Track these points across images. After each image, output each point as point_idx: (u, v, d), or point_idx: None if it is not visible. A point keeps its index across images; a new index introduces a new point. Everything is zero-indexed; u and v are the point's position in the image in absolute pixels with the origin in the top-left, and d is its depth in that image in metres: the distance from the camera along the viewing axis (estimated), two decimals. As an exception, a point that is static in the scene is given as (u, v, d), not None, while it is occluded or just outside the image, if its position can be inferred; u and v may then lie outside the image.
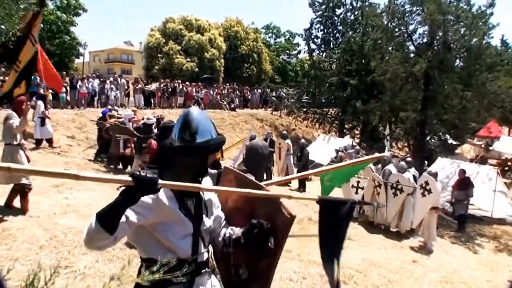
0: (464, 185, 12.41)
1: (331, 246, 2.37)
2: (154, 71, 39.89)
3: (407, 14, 19.51)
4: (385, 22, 20.35)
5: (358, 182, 11.62)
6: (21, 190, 6.69)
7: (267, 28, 62.72)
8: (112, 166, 13.01)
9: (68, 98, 20.18)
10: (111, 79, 24.48)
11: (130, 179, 1.72)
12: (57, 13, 35.79)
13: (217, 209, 2.39)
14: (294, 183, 14.33)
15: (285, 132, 17.89)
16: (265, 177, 10.82)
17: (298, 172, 13.53)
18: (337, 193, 9.79)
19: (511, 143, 25.60)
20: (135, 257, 2.29)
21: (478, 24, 17.65)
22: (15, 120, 6.44)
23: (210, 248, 2.37)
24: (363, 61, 26.03)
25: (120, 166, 13.04)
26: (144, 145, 10.64)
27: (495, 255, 10.86)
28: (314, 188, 12.27)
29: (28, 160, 6.97)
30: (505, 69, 22.58)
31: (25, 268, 4.63)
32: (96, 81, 22.54)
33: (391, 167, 11.20)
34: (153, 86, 26.02)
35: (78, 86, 20.53)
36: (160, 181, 1.76)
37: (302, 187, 14.00)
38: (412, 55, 19.61)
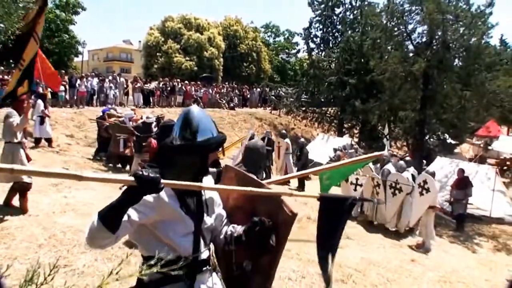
0: (463, 184, 12.42)
1: (328, 242, 2.38)
2: (153, 70, 39.85)
3: (406, 14, 19.48)
4: (384, 22, 20.32)
5: (357, 179, 11.65)
6: (21, 189, 6.68)
7: (266, 27, 62.76)
8: (111, 165, 13.01)
9: (67, 96, 20.17)
10: (110, 77, 24.49)
11: (132, 179, 1.72)
12: (56, 11, 35.75)
13: (219, 207, 2.40)
14: (294, 182, 14.33)
15: (284, 131, 17.91)
16: (264, 176, 10.84)
17: (297, 171, 13.55)
18: (336, 191, 9.83)
19: (510, 142, 25.65)
20: (134, 256, 2.29)
21: (477, 23, 17.64)
22: (15, 118, 6.43)
23: (211, 246, 2.37)
24: (362, 60, 25.99)
25: (119, 165, 13.04)
26: (144, 144, 10.64)
27: (493, 254, 10.88)
28: (313, 187, 12.26)
29: (29, 159, 6.94)
30: (504, 69, 22.57)
31: (24, 266, 4.62)
32: (95, 80, 22.54)
33: (390, 167, 11.22)
34: (152, 85, 26.00)
35: (77, 85, 20.53)
36: (162, 181, 1.76)
37: (301, 186, 14.00)
38: (411, 54, 19.58)
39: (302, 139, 17.59)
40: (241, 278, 2.35)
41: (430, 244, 10.00)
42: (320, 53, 32.53)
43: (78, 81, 20.84)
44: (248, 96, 33.35)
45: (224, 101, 29.37)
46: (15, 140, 6.58)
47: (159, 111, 20.98)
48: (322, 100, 30.32)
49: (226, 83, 35.75)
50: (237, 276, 2.36)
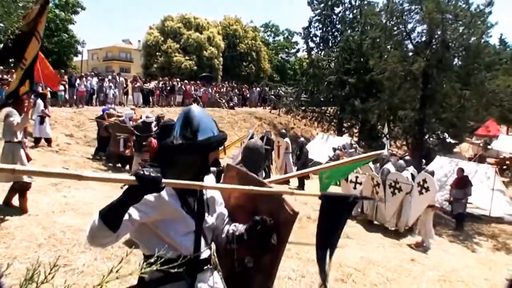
0: (462, 183, 12.42)
1: (328, 240, 2.38)
2: (153, 69, 39.82)
3: (405, 13, 19.48)
4: (384, 21, 20.32)
5: (357, 177, 11.66)
6: (20, 189, 6.67)
7: (265, 27, 62.76)
8: (111, 165, 13.01)
9: (67, 96, 20.19)
10: (110, 77, 24.51)
11: (133, 178, 1.73)
12: (55, 11, 35.69)
13: (220, 206, 2.40)
14: (293, 181, 14.33)
15: (283, 130, 17.91)
16: (263, 176, 10.83)
17: (297, 170, 13.54)
18: (336, 190, 9.82)
19: (509, 141, 25.67)
20: (134, 255, 2.29)
21: (476, 23, 17.64)
22: (16, 118, 6.41)
23: (213, 245, 2.38)
24: (362, 59, 26.00)
25: (119, 165, 13.04)
26: (144, 143, 10.63)
27: (493, 253, 10.88)
28: (313, 186, 12.28)
29: (29, 159, 6.93)
30: (503, 68, 22.57)
31: (23, 266, 4.62)
32: (95, 79, 22.55)
33: (389, 166, 11.21)
34: (152, 84, 26.00)
35: (76, 84, 20.55)
36: (163, 180, 1.77)
37: (301, 185, 13.99)
38: (410, 53, 19.59)
39: (302, 139, 17.61)
40: (242, 276, 2.35)
41: (430, 243, 10.00)
42: (320, 52, 32.56)
43: (78, 81, 20.86)
44: (248, 95, 33.35)
45: (223, 101, 29.37)
46: (15, 140, 6.56)
47: (158, 110, 20.98)
48: (322, 99, 30.32)
49: (226, 82, 35.77)
50: (239, 274, 2.36)
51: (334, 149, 17.44)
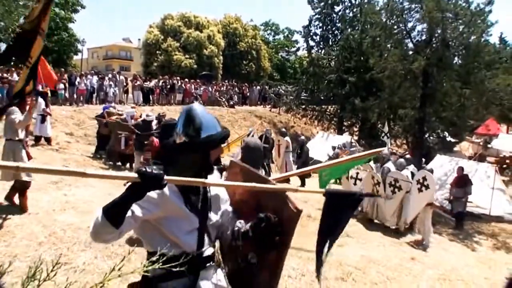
0: (462, 182, 12.42)
1: (329, 237, 2.39)
2: (153, 68, 39.77)
3: (405, 12, 19.46)
4: (384, 20, 20.29)
5: (357, 173, 11.67)
6: (21, 188, 6.67)
7: (266, 25, 62.65)
8: (111, 163, 13.00)
9: (67, 95, 20.20)
10: (110, 75, 24.54)
11: (135, 175, 1.73)
12: (55, 9, 35.57)
13: (225, 203, 2.41)
14: (294, 180, 14.31)
15: (284, 129, 17.90)
16: (263, 174, 10.83)
17: (297, 169, 13.54)
18: (336, 188, 9.80)
19: (509, 140, 25.66)
20: (135, 253, 2.29)
21: (476, 21, 17.62)
22: (18, 115, 6.39)
23: (217, 242, 2.39)
24: (362, 58, 26.01)
25: (119, 163, 13.04)
26: (146, 142, 10.63)
27: (493, 252, 10.88)
28: (314, 184, 12.25)
29: (29, 157, 6.91)
30: (503, 67, 22.55)
31: (24, 264, 4.63)
32: (95, 78, 22.58)
33: (390, 165, 11.21)
34: (152, 83, 25.99)
35: (76, 83, 20.57)
36: (165, 177, 1.77)
37: (302, 184, 13.97)
38: (410, 52, 19.56)
39: (303, 137, 17.63)
40: (247, 274, 2.35)
41: (429, 241, 10.01)
42: (320, 51, 32.56)
43: (78, 79, 20.88)
44: (248, 94, 33.37)
45: (223, 99, 29.37)
46: (16, 138, 6.56)
47: (158, 109, 20.99)
48: (322, 98, 30.30)
49: (226, 81, 35.76)
50: (244, 272, 2.37)
51: (334, 148, 17.44)
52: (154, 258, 1.55)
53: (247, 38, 46.69)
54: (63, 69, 23.12)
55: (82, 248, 5.45)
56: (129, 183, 1.80)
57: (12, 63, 19.17)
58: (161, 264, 1.55)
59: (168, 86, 26.15)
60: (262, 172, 5.06)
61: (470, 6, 18.10)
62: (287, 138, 15.75)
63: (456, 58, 19.54)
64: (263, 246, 2.22)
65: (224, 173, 3.24)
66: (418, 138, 19.49)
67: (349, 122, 29.55)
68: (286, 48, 61.43)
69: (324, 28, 32.77)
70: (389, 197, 10.59)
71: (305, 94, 30.70)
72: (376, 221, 11.15)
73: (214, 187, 2.33)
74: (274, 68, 54.52)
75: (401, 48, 19.52)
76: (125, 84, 24.43)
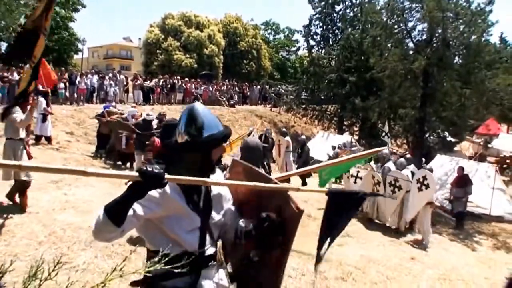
0: (462, 182, 12.41)
1: (330, 233, 2.39)
2: (153, 67, 39.76)
3: (406, 11, 19.45)
4: (384, 19, 20.27)
5: (358, 172, 11.69)
6: (20, 187, 6.67)
7: (266, 25, 62.59)
8: (111, 162, 13.00)
9: (67, 94, 20.18)
10: (110, 75, 24.51)
11: (136, 174, 1.75)
12: (55, 8, 35.57)
13: (228, 202, 2.42)
14: (296, 180, 14.29)
15: (284, 129, 17.90)
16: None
17: (298, 169, 13.52)
18: (335, 187, 9.79)
19: (509, 140, 25.64)
20: (134, 253, 2.29)
21: (477, 21, 17.62)
22: (19, 114, 6.37)
23: (219, 242, 2.40)
24: (362, 58, 26.00)
25: (119, 163, 13.04)
26: (147, 142, 10.62)
27: (493, 252, 10.87)
28: (315, 184, 12.26)
29: (29, 157, 6.89)
30: (504, 67, 22.56)
31: (24, 263, 4.63)
32: (95, 77, 22.57)
33: (390, 165, 11.21)
34: (152, 82, 25.99)
35: (77, 82, 20.56)
36: (166, 176, 1.78)
37: (303, 183, 13.95)
38: (411, 52, 19.55)
39: (303, 136, 17.62)
40: (251, 273, 2.36)
41: (429, 241, 10.02)
42: (320, 50, 32.55)
43: (78, 79, 20.87)
44: (248, 93, 33.38)
45: (224, 99, 29.37)
46: (17, 137, 6.55)
47: (159, 108, 20.99)
48: (322, 97, 30.29)
49: (226, 80, 35.75)
50: (247, 271, 2.37)
51: (334, 147, 17.44)
52: (156, 259, 1.55)
53: (247, 38, 46.67)
54: (63, 68, 23.11)
55: (82, 247, 5.46)
56: (130, 182, 1.81)
57: (11, 62, 19.18)
58: (163, 265, 1.55)
59: (169, 86, 26.14)
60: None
61: (470, 5, 18.09)
62: (288, 138, 15.74)
63: (456, 58, 19.55)
64: (265, 245, 2.22)
65: (225, 172, 3.24)
66: (419, 138, 19.49)
67: (349, 122, 29.55)
68: (287, 48, 61.45)
69: (325, 27, 32.74)
70: (393, 197, 10.57)
71: (305, 94, 30.68)
72: (376, 220, 11.16)
73: (213, 185, 2.33)
74: (275, 68, 54.51)
75: (401, 48, 19.51)
76: (125, 83, 24.44)
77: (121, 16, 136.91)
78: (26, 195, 6.76)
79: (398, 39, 19.94)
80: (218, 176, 2.40)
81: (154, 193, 1.96)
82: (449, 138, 22.42)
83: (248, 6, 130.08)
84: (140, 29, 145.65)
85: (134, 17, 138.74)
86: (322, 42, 33.01)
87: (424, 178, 10.01)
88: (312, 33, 32.98)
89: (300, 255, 6.61)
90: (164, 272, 1.91)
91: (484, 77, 17.80)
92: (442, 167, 15.13)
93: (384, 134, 19.37)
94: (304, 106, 30.35)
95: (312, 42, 32.95)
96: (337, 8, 32.23)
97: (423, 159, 17.85)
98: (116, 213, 1.84)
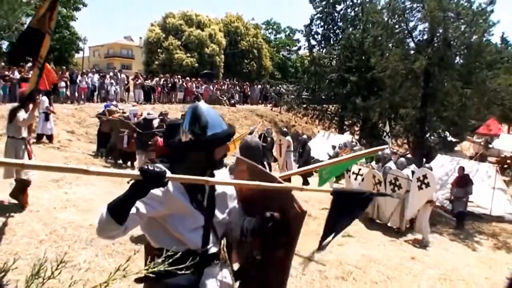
0: (463, 182, 12.40)
1: (334, 230, 2.40)
2: (154, 66, 39.77)
3: (407, 11, 19.47)
4: (386, 19, 20.29)
5: (360, 169, 11.69)
6: (21, 185, 6.67)
7: (267, 24, 62.53)
8: (112, 161, 13.00)
9: (68, 93, 20.18)
10: (111, 74, 24.52)
11: (138, 173, 1.76)
12: (57, 7, 35.58)
13: (233, 201, 2.43)
14: (294, 179, 14.28)
15: (285, 129, 17.89)
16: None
17: (299, 168, 13.51)
18: (336, 186, 9.78)
19: (510, 140, 25.60)
20: (136, 252, 2.30)
21: (478, 21, 17.63)
22: (21, 113, 6.37)
23: (224, 240, 2.40)
24: (363, 57, 25.99)
25: (120, 161, 13.04)
26: (150, 142, 10.62)
27: (493, 252, 10.86)
28: (316, 183, 12.27)
29: (30, 156, 6.88)
30: (505, 67, 22.57)
31: (25, 262, 4.63)
32: (96, 76, 22.57)
33: (391, 165, 11.21)
34: (153, 81, 25.99)
35: (78, 81, 20.56)
36: (167, 175, 1.80)
37: (305, 182, 13.93)
38: (412, 52, 19.55)
39: (305, 136, 17.59)
40: (256, 272, 2.36)
41: (428, 239, 10.03)
42: (321, 50, 32.47)
43: (79, 77, 20.86)
44: (249, 93, 33.37)
45: (224, 98, 29.35)
46: (19, 136, 6.56)
47: (160, 107, 21.01)
48: (323, 97, 30.26)
49: (227, 79, 35.72)
50: (253, 270, 2.37)
51: (334, 147, 17.43)
52: (159, 260, 1.56)
53: (248, 37, 46.65)
54: (64, 67, 23.13)
55: (83, 246, 5.46)
56: (133, 181, 1.82)
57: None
58: (167, 266, 1.57)
59: (169, 85, 26.14)
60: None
61: (472, 5, 18.11)
62: (289, 138, 15.71)
63: (457, 58, 19.57)
64: (269, 244, 2.23)
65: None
66: (419, 138, 19.50)
67: (350, 122, 29.53)
68: (288, 47, 61.39)
69: (326, 27, 32.67)
70: (401, 197, 10.55)
71: (306, 93, 30.65)
72: (376, 220, 11.15)
73: (215, 184, 2.33)
74: (276, 67, 54.48)
75: (402, 48, 19.52)
76: (126, 82, 24.44)
77: (122, 15, 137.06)
78: (27, 194, 6.77)
79: (399, 39, 19.95)
80: (223, 174, 2.41)
81: (157, 191, 1.97)
82: (449, 138, 22.39)
83: (249, 6, 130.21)
84: (141, 28, 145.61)
85: (135, 16, 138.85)
86: (323, 42, 32.94)
87: (424, 176, 9.99)
88: (313, 33, 32.90)
89: (301, 254, 6.61)
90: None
91: (485, 77, 17.82)
92: (443, 167, 15.13)
93: (385, 134, 19.36)
94: (305, 105, 30.30)
95: (313, 42, 32.87)
96: (338, 7, 32.16)
97: (424, 159, 17.85)
98: (118, 211, 1.86)
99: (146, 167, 1.76)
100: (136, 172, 1.78)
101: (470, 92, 17.94)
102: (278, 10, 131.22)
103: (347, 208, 2.35)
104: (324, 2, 31.64)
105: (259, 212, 2.24)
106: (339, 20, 32.31)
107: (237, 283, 2.43)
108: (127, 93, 24.46)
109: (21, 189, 6.71)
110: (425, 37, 19.29)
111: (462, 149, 25.95)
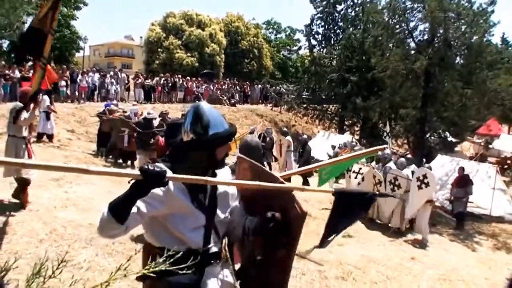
0: (463, 182, 12.40)
1: (335, 230, 2.40)
2: (155, 65, 39.79)
3: (408, 11, 19.47)
4: (386, 19, 20.29)
5: (360, 168, 11.69)
6: (21, 184, 6.66)
7: (267, 24, 62.50)
8: (112, 160, 13.00)
9: (68, 92, 20.17)
10: (111, 73, 24.52)
11: (138, 173, 1.77)
12: (57, 6, 35.52)
13: (235, 200, 2.44)
14: (294, 179, 14.27)
15: (285, 128, 17.89)
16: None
17: (299, 168, 13.51)
18: (336, 186, 9.76)
19: (510, 141, 25.58)
20: (136, 251, 2.30)
21: (479, 21, 17.63)
22: (23, 113, 6.39)
23: (225, 239, 2.41)
24: (364, 57, 25.98)
25: (120, 161, 13.04)
26: (151, 142, 10.62)
27: (493, 253, 10.87)
28: (316, 183, 12.26)
29: (30, 156, 6.87)
30: (505, 67, 22.57)
31: (24, 261, 4.63)
32: (96, 75, 22.57)
33: (391, 165, 11.21)
34: (153, 80, 25.99)
35: (78, 80, 20.55)
36: (168, 175, 1.81)
37: (305, 182, 13.91)
38: (412, 52, 19.54)
39: (305, 136, 17.57)
40: (258, 272, 2.36)
41: (427, 238, 10.04)
42: (322, 50, 32.43)
43: (79, 77, 20.86)
44: (249, 92, 33.36)
45: (225, 98, 29.34)
46: (20, 135, 6.55)
47: (160, 107, 21.02)
48: (323, 97, 30.23)
49: (227, 79, 35.70)
50: (253, 270, 2.37)
51: (334, 147, 17.42)
52: (161, 260, 1.56)
53: (249, 37, 46.67)
54: (65, 66, 23.14)
55: (83, 245, 5.46)
56: (133, 181, 1.82)
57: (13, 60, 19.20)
58: (168, 266, 1.57)
59: (170, 84, 26.13)
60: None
61: (472, 6, 18.12)
62: (289, 137, 15.72)
63: (458, 58, 19.56)
64: (270, 244, 2.23)
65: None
66: (419, 138, 19.49)
67: (350, 122, 29.50)
68: (288, 47, 61.35)
69: (326, 27, 32.62)
70: (404, 197, 10.54)
71: (306, 93, 30.62)
72: (376, 220, 11.16)
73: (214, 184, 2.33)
74: (276, 67, 54.46)
75: (403, 48, 19.52)
76: (126, 81, 24.44)
77: (123, 15, 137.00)
78: (27, 192, 6.76)
79: (400, 39, 19.94)
80: (226, 173, 2.41)
81: (158, 191, 1.97)
82: (450, 139, 22.37)
83: (249, 5, 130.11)
84: (141, 28, 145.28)
85: (135, 16, 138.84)
86: (323, 42, 32.90)
87: (424, 176, 9.99)
88: (313, 33, 32.86)
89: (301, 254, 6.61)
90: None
91: (486, 77, 17.81)
92: (443, 167, 15.12)
93: (385, 134, 19.36)
94: (305, 105, 30.26)
95: (313, 42, 32.84)
96: (339, 7, 32.11)
97: (424, 159, 17.84)
98: (119, 211, 1.86)
99: (146, 166, 1.76)
100: (136, 171, 1.79)
101: (471, 92, 17.94)
102: (278, 10, 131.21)
103: (349, 209, 2.35)
104: (324, 2, 31.60)
105: (260, 211, 2.23)
106: (339, 20, 32.27)
107: (238, 282, 2.43)
108: (127, 92, 24.46)
109: (21, 188, 6.70)
110: (425, 37, 19.30)
111: (462, 149, 25.92)
